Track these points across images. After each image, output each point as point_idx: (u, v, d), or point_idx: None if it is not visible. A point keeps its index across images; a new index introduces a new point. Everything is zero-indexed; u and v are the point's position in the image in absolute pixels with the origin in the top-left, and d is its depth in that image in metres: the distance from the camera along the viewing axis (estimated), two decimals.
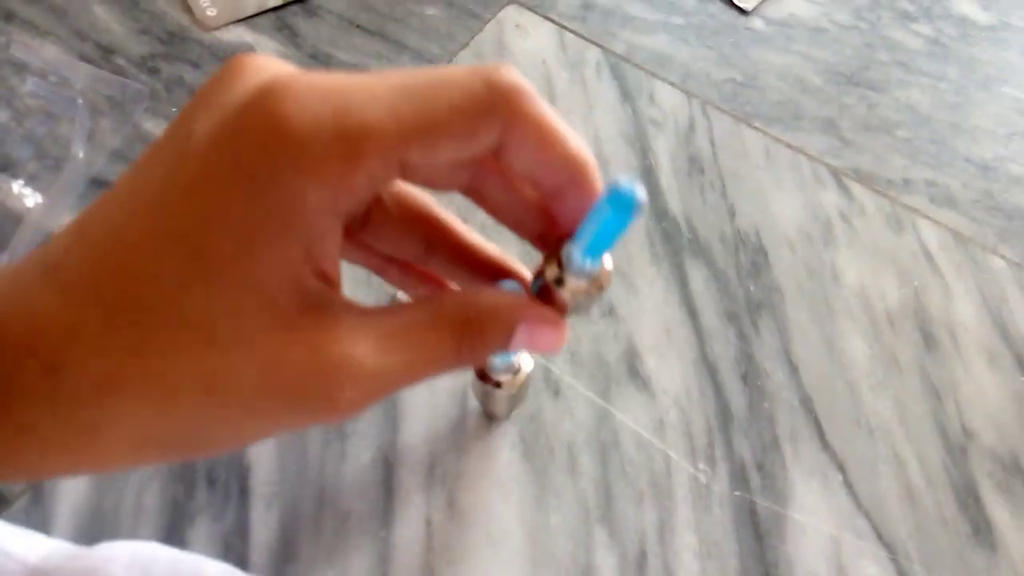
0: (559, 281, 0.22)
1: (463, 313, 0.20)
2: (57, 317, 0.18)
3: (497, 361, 0.28)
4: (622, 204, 0.18)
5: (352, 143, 0.18)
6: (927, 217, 0.39)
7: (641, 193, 0.18)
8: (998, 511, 0.32)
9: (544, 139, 0.20)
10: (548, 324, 0.22)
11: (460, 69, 0.19)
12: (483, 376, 0.29)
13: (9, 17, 0.42)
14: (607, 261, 0.22)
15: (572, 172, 0.20)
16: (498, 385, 0.29)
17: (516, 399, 0.31)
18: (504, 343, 0.21)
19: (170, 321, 0.18)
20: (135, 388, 0.18)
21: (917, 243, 0.38)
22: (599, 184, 0.20)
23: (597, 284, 0.23)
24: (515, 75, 0.19)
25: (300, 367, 0.18)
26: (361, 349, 0.19)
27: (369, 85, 0.18)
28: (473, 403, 0.32)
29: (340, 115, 0.18)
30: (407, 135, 0.18)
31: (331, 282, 0.19)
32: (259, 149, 0.18)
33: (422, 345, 0.20)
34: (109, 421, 0.18)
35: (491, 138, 0.19)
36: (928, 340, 0.36)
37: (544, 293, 0.23)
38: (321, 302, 0.19)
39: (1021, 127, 0.43)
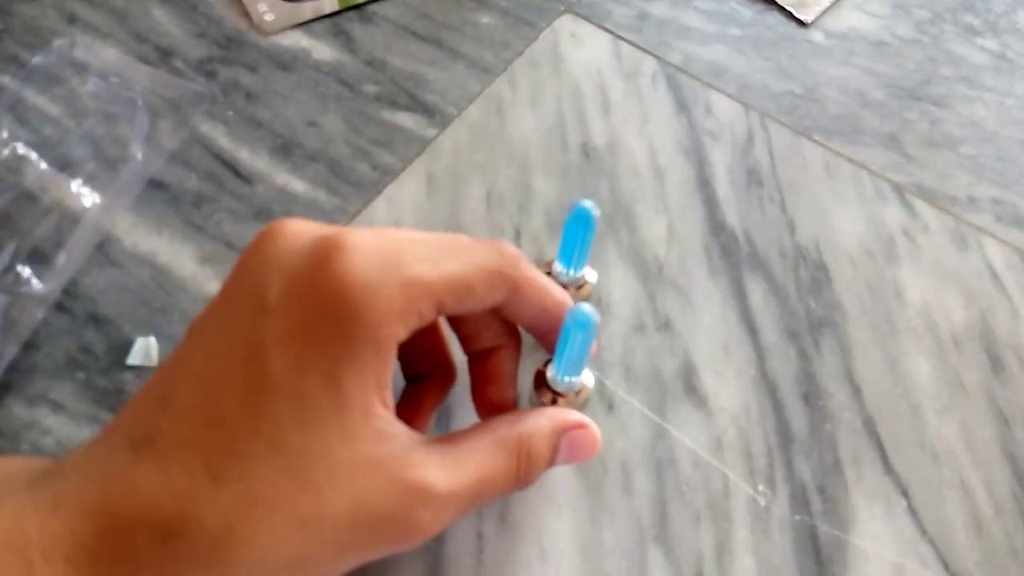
0: (553, 401, 0.29)
1: (517, 439, 0.24)
2: (164, 486, 0.19)
3: (561, 381, 0.28)
4: (578, 324, 0.24)
5: (411, 292, 0.21)
6: (993, 236, 0.38)
7: (594, 314, 0.24)
8: None
9: (539, 294, 0.25)
10: (586, 434, 0.26)
11: (478, 241, 0.25)
12: (541, 389, 0.29)
13: (72, 19, 0.43)
14: (586, 375, 0.29)
15: (559, 316, 0.25)
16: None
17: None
18: (553, 459, 0.25)
19: (272, 469, 0.20)
20: (245, 538, 0.19)
21: (983, 262, 0.37)
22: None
23: (581, 397, 0.29)
24: (514, 249, 0.25)
25: (383, 498, 0.21)
26: (434, 476, 0.21)
27: (413, 243, 0.23)
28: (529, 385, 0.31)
29: (398, 268, 0.21)
30: (449, 287, 0.22)
31: (391, 410, 0.22)
32: (338, 301, 0.20)
33: (486, 469, 0.23)
34: (223, 571, 0.19)
35: (502, 294, 0.24)
36: (995, 363, 0.35)
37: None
38: (391, 433, 0.21)
39: None
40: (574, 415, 0.26)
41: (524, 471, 0.24)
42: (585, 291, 0.32)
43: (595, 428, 0.26)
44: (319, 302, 0.21)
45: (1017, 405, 0.34)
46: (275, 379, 0.20)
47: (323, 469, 0.20)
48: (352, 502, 0.20)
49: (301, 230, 0.23)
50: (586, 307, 0.24)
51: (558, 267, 0.31)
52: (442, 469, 0.22)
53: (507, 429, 0.24)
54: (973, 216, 0.39)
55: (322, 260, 0.21)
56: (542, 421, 0.25)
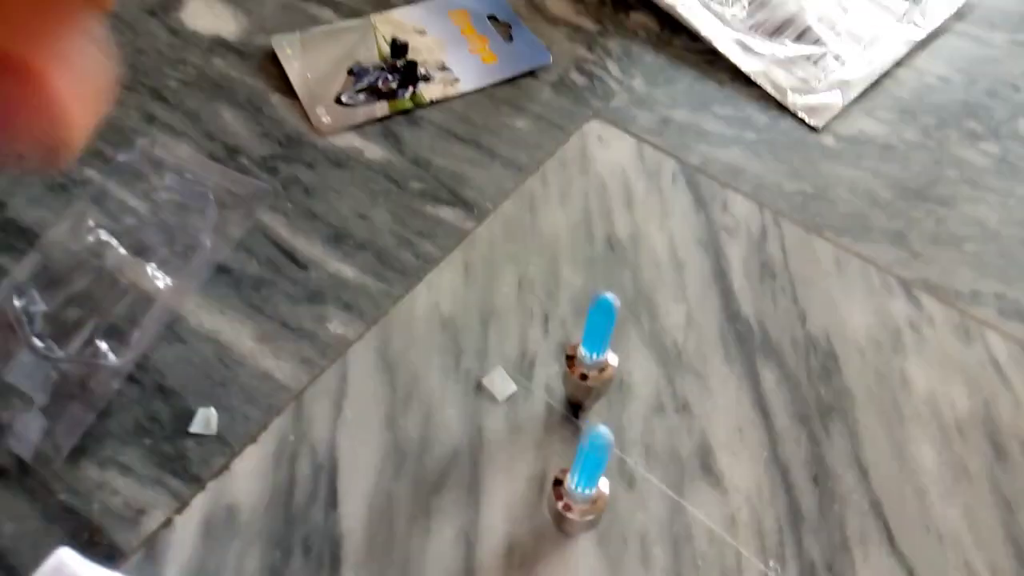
0: (567, 508, 0.32)
1: None
2: None
3: (587, 360, 0.33)
4: (596, 447, 0.28)
5: None
6: (996, 329, 0.40)
7: (610, 438, 0.27)
8: None
9: None
10: None
11: None
12: (559, 496, 0.32)
13: (150, 119, 0.48)
14: (604, 486, 0.32)
15: None
16: (584, 378, 0.34)
17: (600, 392, 0.36)
18: None
19: None
20: None
21: (986, 354, 0.39)
22: None
23: (597, 506, 0.32)
24: None
25: None
26: None
27: None
28: (549, 488, 0.34)
29: None
30: None
31: None
32: None
33: None
34: None
35: None
36: (998, 451, 0.36)
37: (558, 517, 0.32)
38: None
39: None
40: None
41: None
42: (608, 373, 0.35)
43: None
44: None
45: (1020, 491, 0.35)
46: None
47: None
48: None
49: None
50: (602, 430, 0.27)
51: (582, 351, 0.34)
52: None
53: None
54: (977, 310, 0.41)
55: None
56: None
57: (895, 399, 0.38)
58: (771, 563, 0.33)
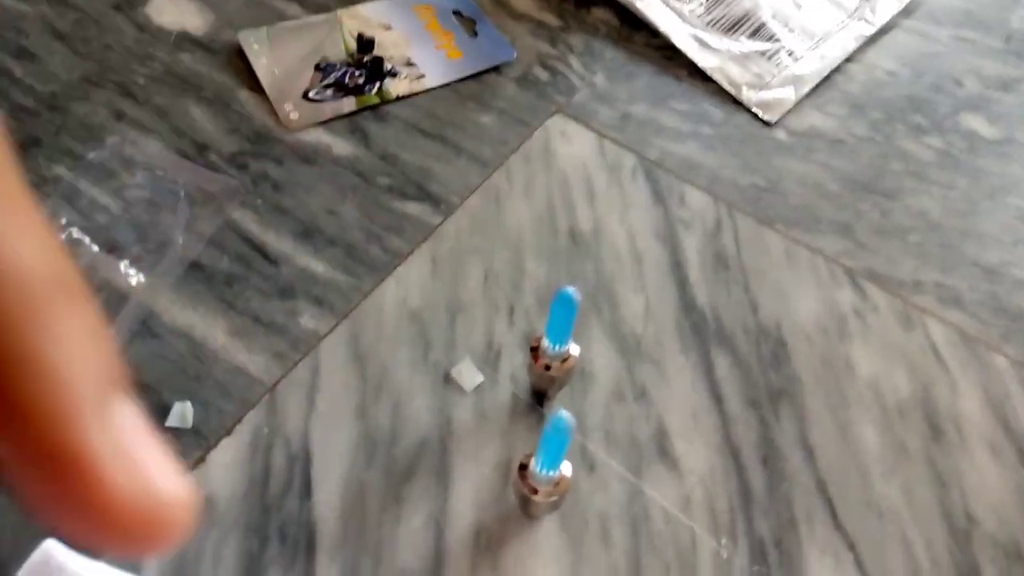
0: (532, 491, 0.33)
1: None
2: None
3: (542, 474, 0.33)
4: (558, 430, 0.29)
5: None
6: (936, 316, 0.43)
7: (571, 422, 0.29)
8: None
9: None
10: None
11: None
12: (524, 479, 0.33)
13: (120, 116, 0.49)
14: (566, 469, 0.33)
15: None
16: (548, 368, 0.36)
17: (563, 381, 0.37)
18: None
19: None
20: None
21: (926, 340, 0.42)
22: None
23: (560, 488, 0.33)
24: None
25: None
26: None
27: None
28: (515, 473, 0.36)
29: None
30: None
31: None
32: None
33: None
34: None
35: None
36: (935, 431, 0.39)
37: (523, 500, 0.34)
38: None
39: (1022, 235, 0.46)
40: None
41: None
42: (570, 363, 0.36)
43: None
44: None
45: (954, 469, 0.38)
46: None
47: None
48: None
49: None
50: (564, 414, 0.29)
51: (546, 343, 0.35)
52: None
53: None
54: (918, 298, 0.44)
55: None
56: None
57: (840, 384, 0.40)
58: (723, 541, 0.35)
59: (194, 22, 0.54)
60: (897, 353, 0.41)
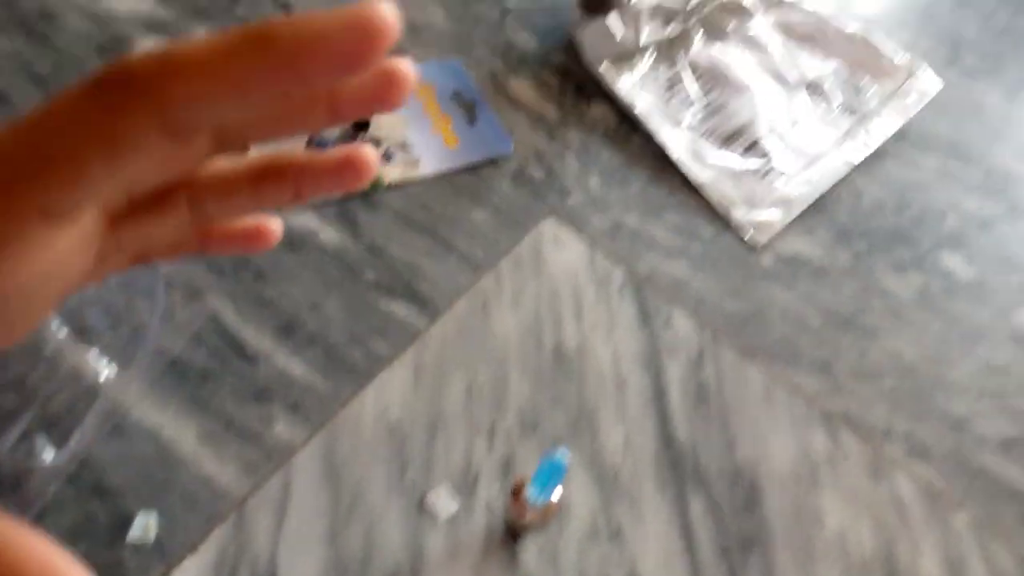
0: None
1: None
2: None
3: (534, 501, 0.35)
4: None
5: None
6: (903, 468, 0.44)
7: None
8: None
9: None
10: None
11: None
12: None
13: None
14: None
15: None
16: (526, 516, 0.37)
17: (541, 525, 0.38)
18: None
19: None
20: None
21: (892, 493, 0.43)
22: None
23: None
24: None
25: None
26: None
27: None
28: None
29: None
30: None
31: None
32: None
33: None
34: None
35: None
36: None
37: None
38: None
39: (990, 388, 0.48)
40: None
41: None
42: (550, 512, 0.36)
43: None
44: None
45: None
46: None
47: None
48: None
49: None
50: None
51: (530, 493, 0.35)
52: None
53: None
54: (888, 448, 0.44)
55: None
56: None
57: (809, 535, 0.41)
58: None
59: None
60: (865, 504, 0.42)
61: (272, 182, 0.21)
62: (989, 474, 0.44)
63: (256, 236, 0.22)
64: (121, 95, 0.15)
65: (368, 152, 0.20)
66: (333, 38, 0.14)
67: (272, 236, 0.23)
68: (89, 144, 0.15)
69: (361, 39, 0.14)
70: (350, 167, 0.20)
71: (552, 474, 0.33)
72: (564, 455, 0.33)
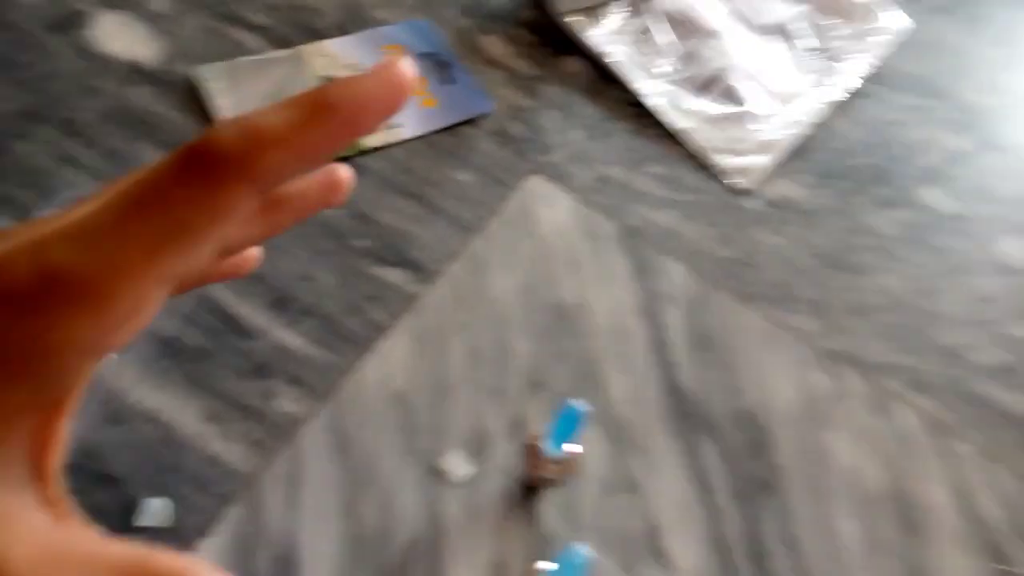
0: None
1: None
2: None
3: (551, 453, 0.35)
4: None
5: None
6: (905, 401, 0.44)
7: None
8: None
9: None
10: None
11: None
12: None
13: (66, 160, 0.45)
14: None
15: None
16: (546, 469, 0.37)
17: (561, 481, 0.38)
18: None
19: None
20: None
21: (897, 427, 0.43)
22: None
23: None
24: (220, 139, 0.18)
25: None
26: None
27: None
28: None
29: None
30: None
31: None
32: None
33: None
34: None
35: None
36: (908, 523, 0.40)
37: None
38: None
39: (979, 316, 0.48)
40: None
41: None
42: (572, 465, 0.36)
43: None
44: None
45: (927, 562, 0.39)
46: None
47: None
48: None
49: None
50: (581, 551, 0.29)
51: (547, 447, 0.35)
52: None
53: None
54: (889, 382, 0.45)
55: None
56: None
57: (820, 473, 0.41)
58: None
59: (145, 52, 0.50)
60: (871, 440, 0.43)
61: (277, 212, 0.23)
62: (987, 402, 0.45)
63: (332, 188, 0.25)
64: (221, 172, 0.17)
65: (344, 171, 0.24)
66: (380, 97, 0.18)
67: (345, 183, 0.25)
68: (200, 218, 0.17)
69: (398, 93, 0.18)
70: (332, 189, 0.24)
71: (570, 423, 0.33)
72: (581, 404, 0.32)
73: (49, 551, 0.18)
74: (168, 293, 0.19)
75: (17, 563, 0.18)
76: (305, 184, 0.24)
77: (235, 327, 0.41)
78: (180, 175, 0.17)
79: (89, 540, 0.19)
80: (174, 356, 0.39)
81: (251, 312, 0.41)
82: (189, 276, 0.20)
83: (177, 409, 0.38)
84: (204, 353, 0.40)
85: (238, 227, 0.20)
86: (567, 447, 0.36)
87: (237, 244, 0.23)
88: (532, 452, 0.36)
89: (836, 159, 0.54)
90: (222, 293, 0.42)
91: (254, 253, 0.26)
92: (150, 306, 0.18)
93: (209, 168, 0.17)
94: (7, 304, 0.17)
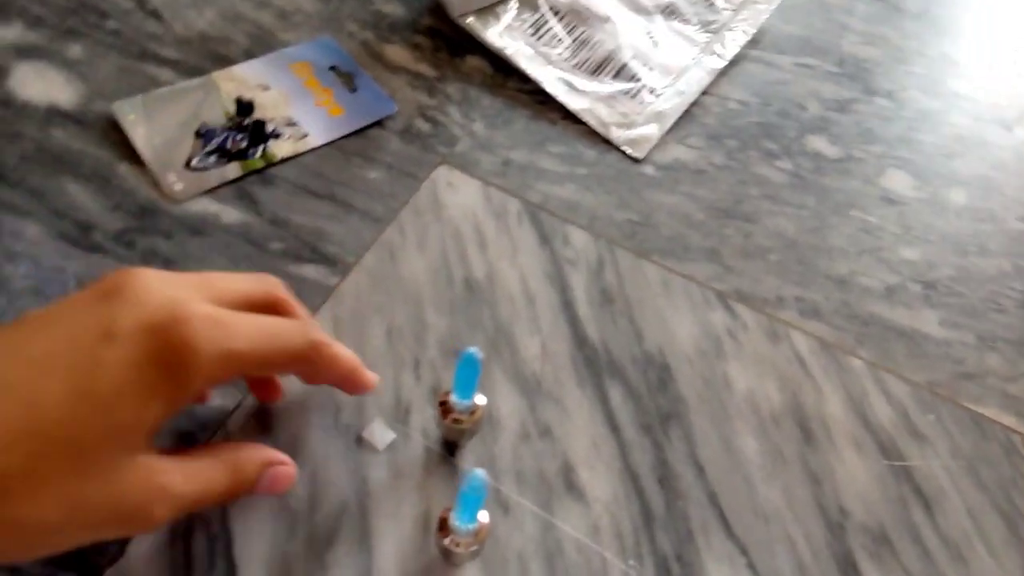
0: (454, 543, 0.36)
1: (235, 461, 0.34)
2: None
3: (460, 527, 0.35)
4: (474, 488, 0.32)
5: (226, 363, 0.31)
6: (798, 328, 0.48)
7: (485, 478, 0.32)
8: None
9: (332, 371, 0.37)
10: (284, 470, 0.36)
11: (291, 325, 0.35)
12: (444, 530, 0.36)
13: None
14: (484, 517, 0.36)
15: (348, 380, 0.38)
16: (457, 422, 0.39)
17: (472, 432, 0.40)
18: (257, 482, 0.35)
19: (55, 451, 0.28)
20: (15, 501, 0.27)
21: (791, 351, 0.47)
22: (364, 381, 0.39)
23: (480, 536, 0.36)
24: (320, 333, 0.36)
25: (134, 493, 0.29)
26: (173, 481, 0.31)
27: (239, 322, 0.32)
28: (434, 526, 0.38)
29: (223, 343, 0.30)
30: (256, 362, 0.32)
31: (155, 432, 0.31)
32: (174, 355, 0.29)
33: (210, 481, 0.33)
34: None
35: (298, 369, 0.36)
36: (806, 434, 0.43)
37: (445, 553, 0.36)
38: (150, 446, 0.30)
39: (867, 245, 0.52)
40: (279, 455, 0.36)
41: (235, 486, 0.34)
42: (478, 415, 0.39)
43: (294, 468, 0.37)
44: (159, 350, 0.29)
45: (825, 467, 0.42)
46: (97, 389, 0.28)
47: (96, 464, 0.28)
48: (109, 492, 0.28)
49: (153, 286, 0.30)
50: (478, 473, 0.31)
51: (454, 399, 0.38)
52: (179, 475, 0.31)
53: (229, 454, 0.34)
54: (782, 313, 0.48)
55: (169, 320, 0.29)
56: (254, 454, 0.35)
57: (720, 400, 0.44)
58: (630, 562, 0.38)
59: (63, 95, 0.53)
60: (768, 366, 0.46)
61: None
62: (877, 319, 0.49)
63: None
64: (185, 373, 0.30)
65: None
66: (351, 377, 0.38)
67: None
68: (162, 406, 0.30)
69: (362, 389, 0.38)
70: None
71: (469, 369, 0.36)
72: (476, 350, 0.35)
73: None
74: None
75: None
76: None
77: None
78: (152, 369, 0.30)
79: None
80: None
81: None
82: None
83: None
84: None
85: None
86: (476, 398, 0.38)
87: None
88: (444, 407, 0.39)
89: (723, 121, 0.58)
90: None
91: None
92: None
93: (177, 370, 0.30)
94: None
